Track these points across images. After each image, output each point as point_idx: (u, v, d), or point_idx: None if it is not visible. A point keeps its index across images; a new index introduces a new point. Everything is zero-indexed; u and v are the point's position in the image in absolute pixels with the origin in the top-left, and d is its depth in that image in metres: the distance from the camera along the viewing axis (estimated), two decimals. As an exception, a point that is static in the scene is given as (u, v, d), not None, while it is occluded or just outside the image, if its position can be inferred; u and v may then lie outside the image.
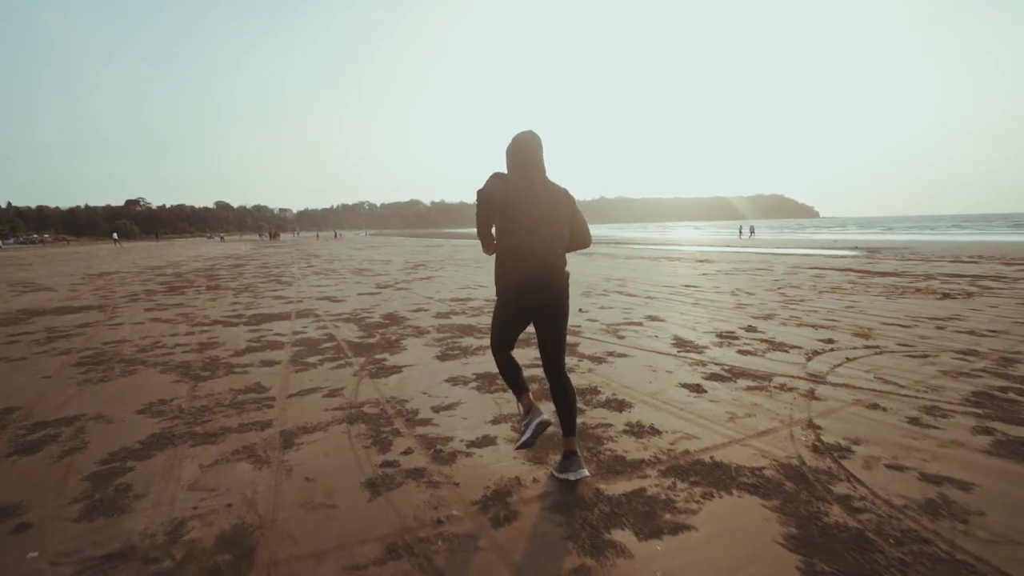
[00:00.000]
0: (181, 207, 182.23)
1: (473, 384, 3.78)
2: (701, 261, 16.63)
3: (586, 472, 2.31)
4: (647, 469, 2.46)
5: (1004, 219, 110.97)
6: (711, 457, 2.57)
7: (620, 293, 8.72)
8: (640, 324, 5.98)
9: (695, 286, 9.61)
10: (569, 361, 4.37)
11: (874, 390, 3.51)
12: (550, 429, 2.52)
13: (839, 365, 4.17)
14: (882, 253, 19.56)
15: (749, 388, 3.63)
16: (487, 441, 2.78)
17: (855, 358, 4.37)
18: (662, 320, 6.22)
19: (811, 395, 3.46)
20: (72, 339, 5.62)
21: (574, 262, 15.98)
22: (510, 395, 3.49)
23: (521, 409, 2.40)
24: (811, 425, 2.94)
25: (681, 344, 4.95)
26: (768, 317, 6.29)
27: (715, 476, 2.38)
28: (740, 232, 45.98)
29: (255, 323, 6.38)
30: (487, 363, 4.29)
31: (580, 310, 7.01)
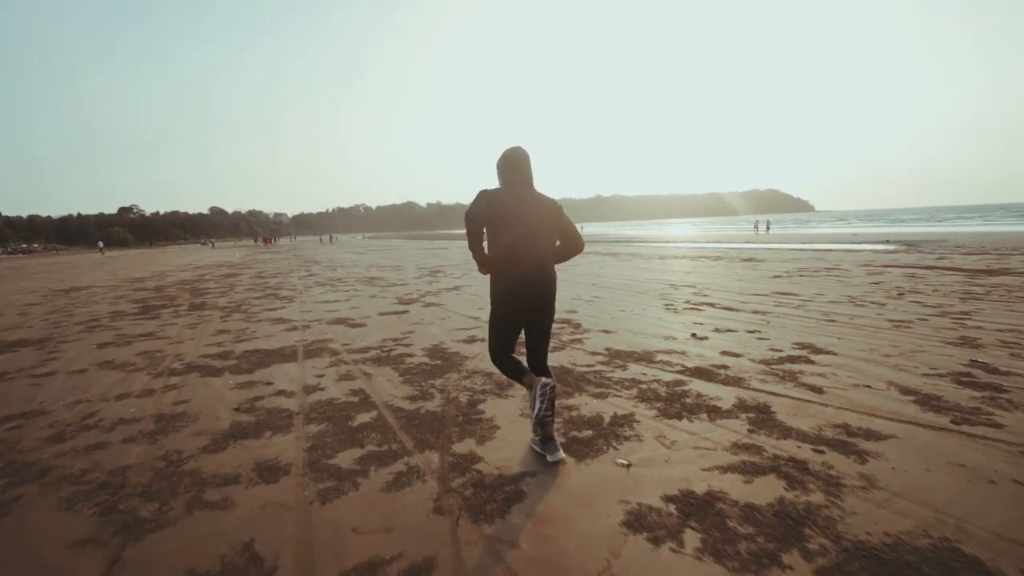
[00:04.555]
0: (175, 214, 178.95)
1: (690, 527, 1.87)
2: (750, 260, 14.81)
3: (562, 455, 2.49)
4: None
5: (1001, 209, 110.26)
6: None
7: (712, 306, 6.83)
8: (808, 360, 4.10)
9: (793, 294, 7.73)
10: (801, 452, 2.46)
11: None
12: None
13: None
14: (925, 246, 17.92)
15: None
16: None
17: None
18: (827, 351, 4.34)
19: None
20: (-40, 410, 3.66)
21: (609, 266, 14.18)
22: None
23: (526, 389, 2.58)
24: None
25: (932, 404, 3.06)
26: (973, 344, 4.42)
27: None
28: (756, 228, 44.31)
29: (247, 368, 4.44)
30: (666, 463, 2.40)
31: (694, 335, 5.12)
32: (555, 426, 2.69)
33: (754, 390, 3.44)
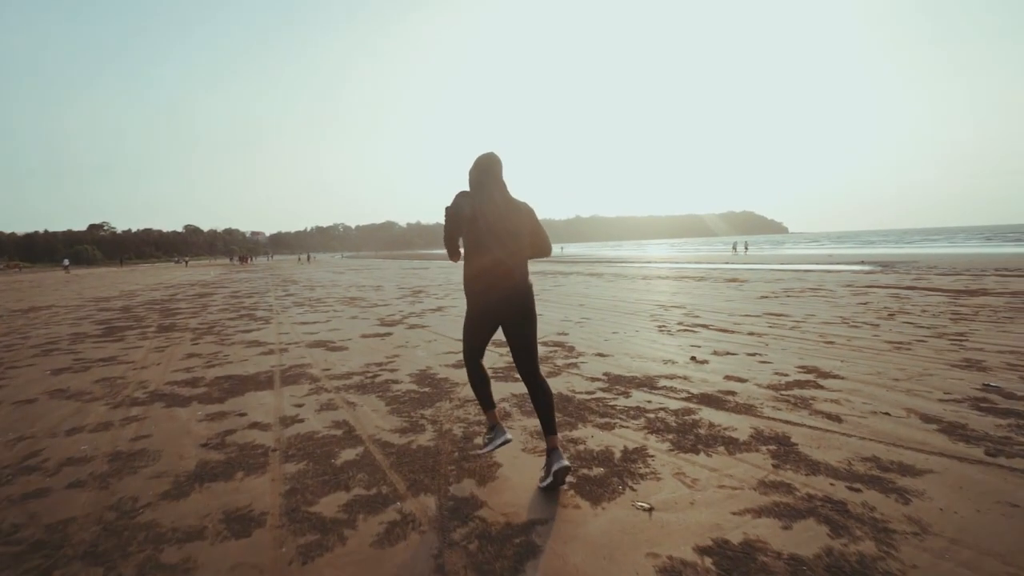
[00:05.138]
0: (148, 231, 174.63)
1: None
2: (732, 280, 14.86)
3: (567, 462, 2.37)
4: None
5: (964, 231, 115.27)
6: None
7: (706, 327, 6.68)
8: (816, 385, 3.92)
9: (784, 315, 7.64)
10: (836, 491, 2.23)
11: None
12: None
13: None
14: (900, 267, 18.34)
15: None
16: None
17: None
18: (834, 375, 4.18)
19: None
20: None
21: (595, 286, 14.04)
22: None
23: (487, 423, 2.67)
24: None
25: (959, 433, 2.89)
26: (980, 367, 4.30)
27: None
28: (734, 248, 45.07)
29: (218, 397, 4.07)
30: (691, 506, 2.14)
31: (693, 359, 4.92)
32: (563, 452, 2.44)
33: (768, 419, 3.22)
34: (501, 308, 2.45)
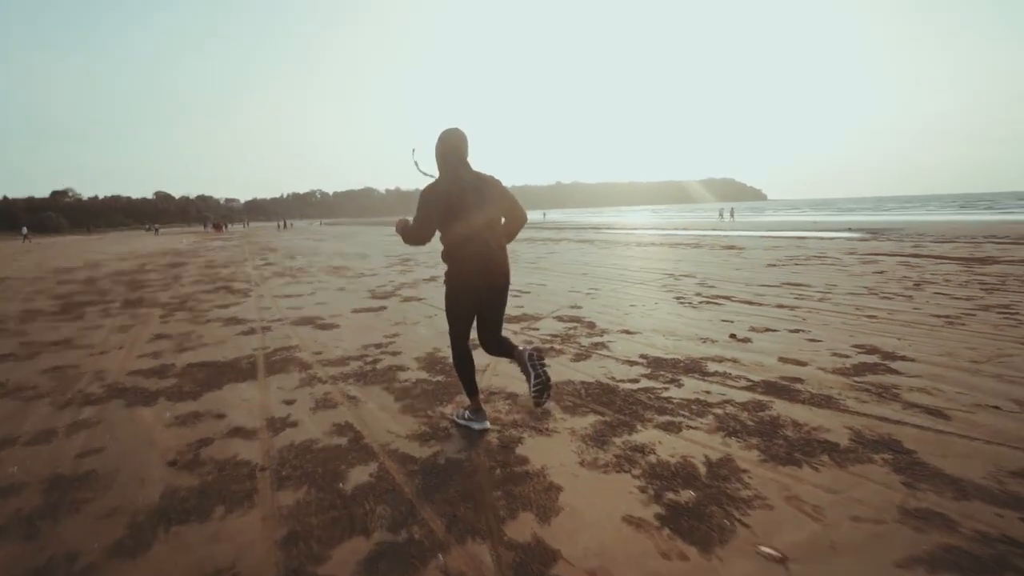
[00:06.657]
0: (116, 198, 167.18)
1: None
2: (730, 247, 14.45)
3: (532, 344, 3.25)
4: None
5: (936, 200, 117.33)
6: None
7: (728, 299, 6.18)
8: (889, 369, 3.43)
9: (804, 284, 7.19)
10: (1010, 525, 1.71)
11: None
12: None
13: None
14: (891, 234, 18.13)
15: None
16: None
17: None
18: (900, 356, 3.70)
19: None
20: None
21: (590, 253, 13.47)
22: None
23: (470, 405, 2.67)
24: None
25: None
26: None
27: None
28: (720, 215, 44.87)
29: (191, 391, 3.40)
30: (832, 551, 1.60)
31: (733, 336, 4.40)
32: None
33: (859, 415, 2.70)
34: (485, 287, 2.51)
